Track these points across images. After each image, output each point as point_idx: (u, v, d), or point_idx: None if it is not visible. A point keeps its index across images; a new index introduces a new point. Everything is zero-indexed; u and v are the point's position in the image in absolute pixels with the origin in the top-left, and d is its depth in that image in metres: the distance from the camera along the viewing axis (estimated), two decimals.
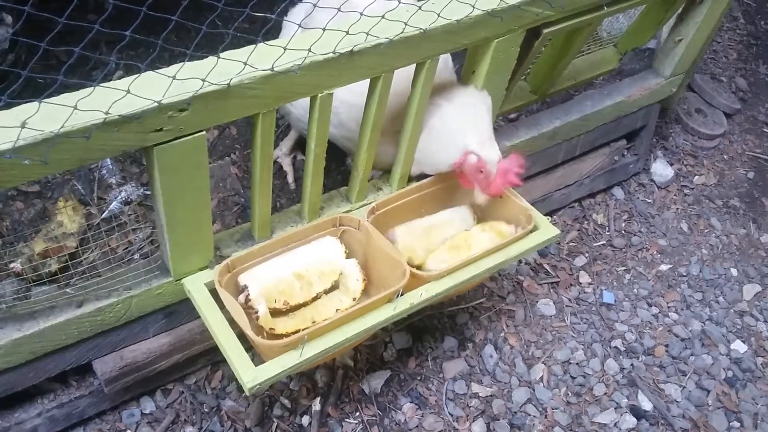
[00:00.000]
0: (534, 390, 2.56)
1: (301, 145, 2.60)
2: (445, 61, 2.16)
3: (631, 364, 2.69)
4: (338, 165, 2.67)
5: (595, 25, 2.30)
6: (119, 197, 2.36)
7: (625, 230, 3.22)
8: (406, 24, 1.68)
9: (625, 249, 3.14)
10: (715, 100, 3.79)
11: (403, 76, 1.87)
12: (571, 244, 3.09)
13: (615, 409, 2.55)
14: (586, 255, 3.06)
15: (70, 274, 2.01)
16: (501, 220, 2.22)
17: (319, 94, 1.70)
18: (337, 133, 2.14)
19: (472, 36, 1.87)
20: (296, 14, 2.34)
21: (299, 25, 1.57)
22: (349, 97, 1.83)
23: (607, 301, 2.90)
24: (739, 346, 2.83)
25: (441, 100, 2.09)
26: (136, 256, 2.17)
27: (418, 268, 2.02)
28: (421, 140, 2.11)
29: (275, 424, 2.30)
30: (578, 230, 3.15)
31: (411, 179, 2.25)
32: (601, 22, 2.43)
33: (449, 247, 2.17)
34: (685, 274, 3.08)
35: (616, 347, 2.75)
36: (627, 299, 2.94)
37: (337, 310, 1.92)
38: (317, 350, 1.73)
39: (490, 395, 2.51)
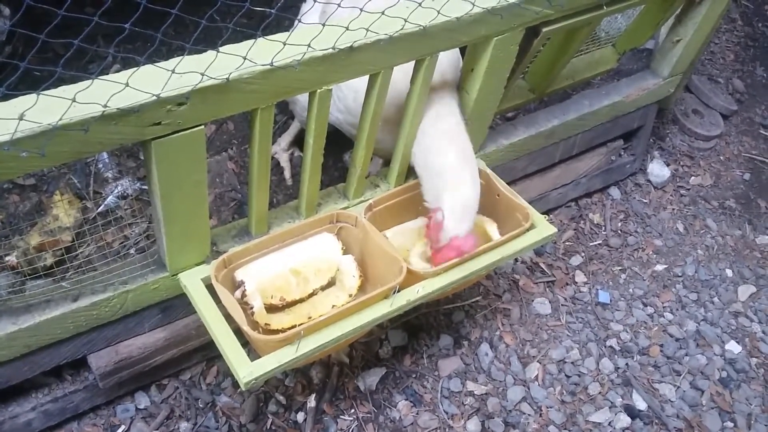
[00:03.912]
0: (529, 388, 2.56)
1: (298, 141, 2.60)
2: (456, 63, 2.15)
3: (626, 364, 2.70)
4: (336, 161, 2.66)
5: (594, 24, 2.30)
6: (115, 191, 2.35)
7: (621, 230, 3.22)
8: (405, 21, 1.68)
9: (621, 249, 3.14)
10: (712, 101, 3.80)
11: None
12: (567, 243, 3.09)
13: (609, 408, 2.56)
14: (582, 254, 3.06)
15: (66, 267, 2.00)
16: (490, 218, 2.22)
17: (318, 90, 1.70)
18: (342, 119, 2.14)
19: (472, 33, 1.87)
20: (308, 11, 2.33)
21: (301, 19, 1.57)
22: (357, 83, 1.82)
23: (602, 300, 2.90)
24: (733, 347, 2.84)
25: (437, 116, 2.05)
26: (132, 251, 2.17)
27: None
28: (417, 165, 2.09)
29: (270, 421, 2.30)
30: (574, 230, 3.16)
31: (409, 174, 2.25)
32: (600, 21, 2.43)
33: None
34: (680, 274, 3.09)
35: (611, 347, 2.75)
36: (622, 299, 2.94)
37: (333, 306, 1.92)
38: (313, 346, 1.73)
39: (485, 393, 2.52)
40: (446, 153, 2.01)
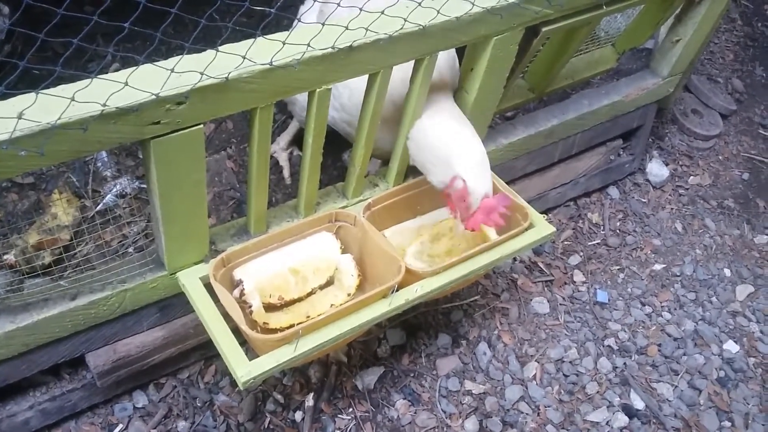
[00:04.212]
0: (527, 388, 2.57)
1: (297, 140, 2.60)
2: (452, 63, 2.15)
3: (624, 363, 2.70)
4: (335, 160, 2.66)
5: (594, 24, 2.30)
6: (114, 190, 2.35)
7: (619, 229, 3.22)
8: (405, 20, 1.68)
9: (620, 248, 3.15)
10: (711, 101, 3.80)
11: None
12: (565, 242, 3.09)
13: (607, 407, 2.56)
14: (581, 254, 3.06)
15: (64, 266, 2.00)
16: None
17: (318, 89, 1.70)
18: (337, 117, 2.13)
19: (471, 33, 1.87)
20: (307, 11, 2.33)
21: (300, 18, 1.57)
22: (353, 81, 1.82)
23: (600, 300, 2.90)
24: (731, 347, 2.85)
25: (432, 113, 2.04)
26: (131, 250, 2.17)
27: None
28: (416, 155, 2.07)
29: (268, 420, 2.30)
30: (573, 229, 3.16)
31: (408, 174, 2.25)
32: (599, 21, 2.43)
33: (432, 236, 2.17)
34: (678, 274, 3.09)
35: (609, 346, 2.76)
36: (621, 298, 2.94)
37: (331, 305, 1.92)
38: (311, 345, 1.73)
39: (483, 392, 2.52)
40: (445, 130, 2.00)
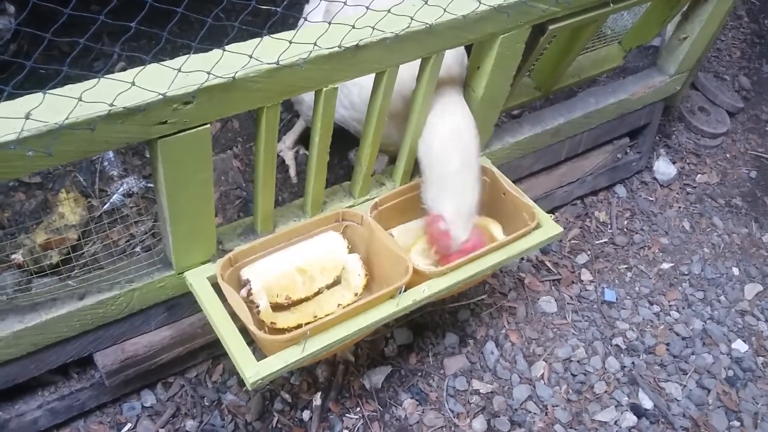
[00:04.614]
0: (535, 387, 2.56)
1: (303, 139, 2.60)
2: (461, 59, 2.15)
3: (632, 363, 2.69)
4: (341, 159, 2.66)
5: (601, 21, 2.29)
6: (121, 189, 2.35)
7: (627, 228, 3.21)
8: (412, 19, 1.67)
9: (627, 247, 3.13)
10: (719, 98, 3.78)
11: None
12: (573, 241, 3.08)
13: (615, 407, 2.55)
14: (588, 253, 3.05)
15: (72, 266, 2.00)
16: (495, 220, 2.22)
17: (324, 89, 1.70)
18: (347, 115, 2.13)
19: (478, 31, 1.86)
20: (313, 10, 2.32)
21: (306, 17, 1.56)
22: (363, 79, 1.82)
23: (608, 299, 2.89)
24: (740, 346, 2.83)
25: (441, 111, 2.04)
26: (138, 249, 2.17)
27: None
28: (423, 156, 2.07)
29: (276, 419, 2.30)
30: (580, 228, 3.15)
31: (415, 173, 2.24)
32: (606, 19, 2.42)
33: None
34: (686, 272, 3.08)
35: (617, 345, 2.75)
36: (628, 297, 2.93)
37: (339, 305, 1.92)
38: (319, 346, 1.73)
39: (491, 392, 2.51)
40: (450, 159, 2.01)
